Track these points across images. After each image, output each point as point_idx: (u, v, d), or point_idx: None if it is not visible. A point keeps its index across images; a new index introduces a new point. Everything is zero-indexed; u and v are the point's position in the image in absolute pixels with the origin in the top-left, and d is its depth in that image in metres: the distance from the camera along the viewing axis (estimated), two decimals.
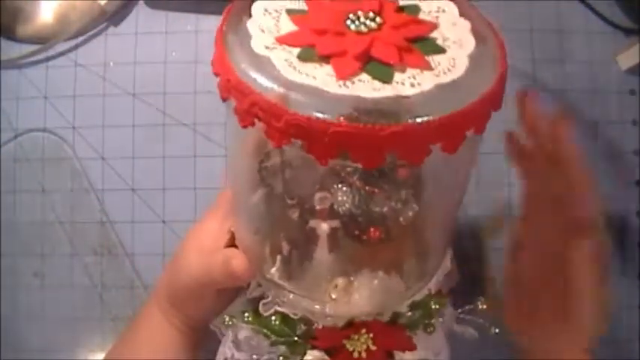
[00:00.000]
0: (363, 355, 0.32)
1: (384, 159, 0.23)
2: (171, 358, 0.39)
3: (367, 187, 0.29)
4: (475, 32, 0.27)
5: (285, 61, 0.24)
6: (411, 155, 0.23)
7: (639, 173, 0.49)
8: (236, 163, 0.32)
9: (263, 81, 0.23)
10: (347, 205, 0.29)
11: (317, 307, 0.31)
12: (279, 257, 0.32)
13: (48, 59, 0.50)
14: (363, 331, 0.32)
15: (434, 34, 0.26)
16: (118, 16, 0.50)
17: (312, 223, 0.30)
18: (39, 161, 0.49)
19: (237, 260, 0.33)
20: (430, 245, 0.33)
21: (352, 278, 0.31)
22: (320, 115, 0.22)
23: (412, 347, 0.33)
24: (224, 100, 0.25)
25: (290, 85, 0.23)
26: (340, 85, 0.23)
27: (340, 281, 0.30)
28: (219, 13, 0.52)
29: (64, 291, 0.48)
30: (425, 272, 0.33)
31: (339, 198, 0.29)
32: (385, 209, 0.30)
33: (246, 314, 0.33)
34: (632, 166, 0.49)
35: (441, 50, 0.25)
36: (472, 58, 0.25)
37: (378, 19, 0.25)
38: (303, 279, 0.31)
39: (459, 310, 0.35)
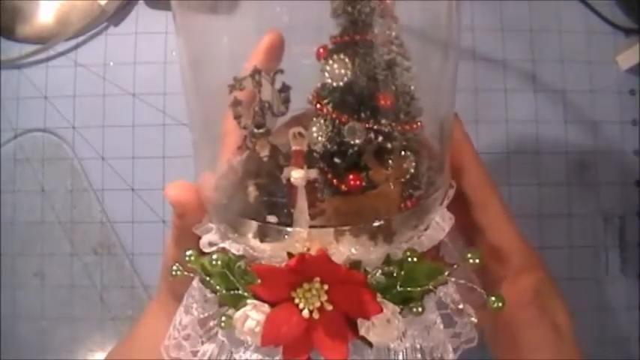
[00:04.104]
0: (315, 315, 0.24)
1: None
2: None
3: (344, 117, 0.25)
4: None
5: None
6: None
7: (639, 173, 0.49)
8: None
9: None
10: (322, 139, 0.25)
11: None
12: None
13: (48, 59, 0.50)
14: (316, 279, 0.24)
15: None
16: (118, 16, 0.50)
17: (287, 171, 0.25)
18: (39, 161, 0.49)
19: (176, 187, 0.29)
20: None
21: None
22: None
23: (378, 309, 0.24)
24: None
25: None
26: None
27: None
28: (219, 13, 0.52)
29: (64, 291, 0.48)
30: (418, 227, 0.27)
31: (314, 134, 0.25)
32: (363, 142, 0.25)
33: (189, 252, 0.27)
34: (632, 166, 0.49)
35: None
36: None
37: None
38: (276, 238, 0.26)
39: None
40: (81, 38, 0.50)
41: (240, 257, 0.26)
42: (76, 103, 0.49)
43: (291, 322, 0.24)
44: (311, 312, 0.24)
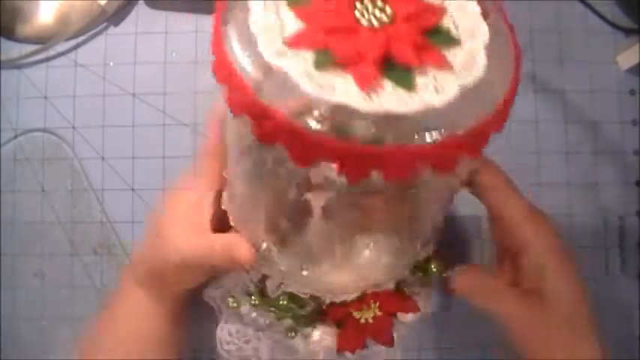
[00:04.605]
0: (370, 321, 0.33)
1: (415, 174, 0.22)
2: (154, 332, 0.39)
3: None
4: (485, 17, 0.25)
5: (303, 72, 0.22)
6: (443, 167, 0.23)
7: (639, 173, 0.49)
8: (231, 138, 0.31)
9: (281, 102, 0.22)
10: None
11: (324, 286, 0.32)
12: (273, 233, 0.30)
13: (48, 59, 0.50)
14: (372, 302, 0.33)
15: (446, 21, 0.24)
16: (118, 16, 0.50)
17: (308, 195, 0.28)
18: (39, 161, 0.49)
19: (243, 250, 0.31)
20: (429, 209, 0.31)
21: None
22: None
23: (416, 309, 0.35)
24: (236, 115, 0.24)
25: (314, 103, 0.21)
26: (365, 98, 0.22)
27: None
28: None
29: (64, 291, 0.48)
30: (425, 235, 0.32)
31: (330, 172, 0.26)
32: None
33: (253, 298, 0.33)
34: (632, 166, 0.49)
35: (456, 42, 0.24)
36: (488, 51, 0.24)
37: (388, 10, 0.23)
38: (299, 253, 0.31)
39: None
40: (81, 38, 0.50)
41: (310, 298, 0.34)
42: (76, 103, 0.49)
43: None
44: (366, 320, 0.35)
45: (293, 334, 0.35)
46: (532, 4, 0.50)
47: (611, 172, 0.49)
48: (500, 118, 0.23)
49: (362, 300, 0.33)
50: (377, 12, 0.23)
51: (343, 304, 0.33)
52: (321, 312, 0.34)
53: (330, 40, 0.23)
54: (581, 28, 0.50)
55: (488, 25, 0.24)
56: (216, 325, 0.41)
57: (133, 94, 0.49)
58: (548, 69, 0.49)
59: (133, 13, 0.50)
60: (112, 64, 0.50)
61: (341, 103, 0.21)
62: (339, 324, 0.34)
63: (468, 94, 0.23)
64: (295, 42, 0.23)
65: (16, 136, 0.49)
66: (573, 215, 0.48)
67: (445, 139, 0.22)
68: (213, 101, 0.35)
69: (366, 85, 0.22)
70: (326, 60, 0.22)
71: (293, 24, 0.23)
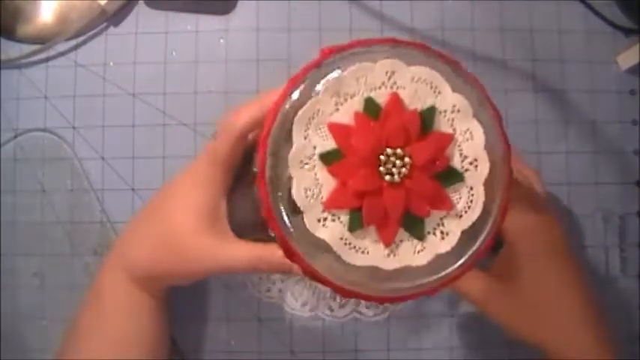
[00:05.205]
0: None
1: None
2: (143, 321, 0.39)
3: None
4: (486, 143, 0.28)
5: (340, 240, 0.26)
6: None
7: (639, 173, 0.49)
8: None
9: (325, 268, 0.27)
10: None
11: None
12: None
13: (48, 59, 0.50)
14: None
15: (453, 154, 0.27)
16: (118, 16, 0.50)
17: None
18: (39, 161, 0.49)
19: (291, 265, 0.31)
20: None
21: None
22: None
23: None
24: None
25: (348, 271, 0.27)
26: (389, 254, 0.26)
27: None
28: (219, 13, 0.52)
29: (64, 291, 0.48)
30: None
31: None
32: None
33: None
34: (632, 166, 0.49)
35: (460, 178, 0.27)
36: (486, 186, 0.27)
37: (406, 159, 0.26)
38: None
39: None
40: (81, 38, 0.50)
41: None
42: (76, 103, 0.49)
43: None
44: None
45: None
46: (532, 4, 0.50)
47: (611, 172, 0.49)
48: (490, 242, 0.27)
49: None
50: (397, 161, 0.26)
51: None
52: None
53: (360, 202, 0.26)
54: (581, 28, 0.50)
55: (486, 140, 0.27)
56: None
57: (133, 94, 0.49)
58: (548, 69, 0.49)
59: (133, 13, 0.50)
60: (112, 64, 0.50)
61: (373, 265, 0.26)
62: None
63: (467, 232, 0.27)
64: (331, 204, 0.26)
65: (16, 136, 0.49)
66: (573, 215, 0.48)
67: (445, 280, 0.27)
68: (230, 111, 0.35)
69: (391, 243, 0.26)
70: (358, 222, 0.26)
71: (328, 182, 0.27)
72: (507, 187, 0.27)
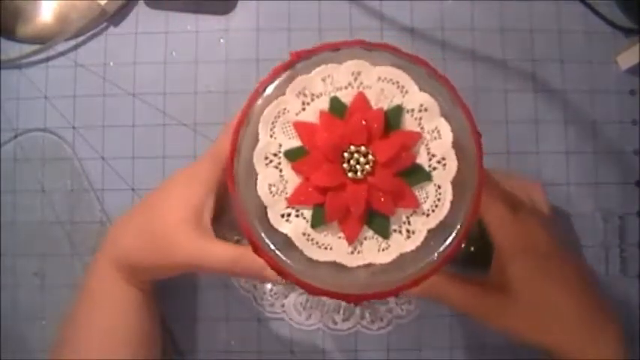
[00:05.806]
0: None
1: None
2: (131, 313, 0.39)
3: None
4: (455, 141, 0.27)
5: (303, 235, 0.27)
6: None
7: (639, 173, 0.49)
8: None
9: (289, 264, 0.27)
10: None
11: None
12: None
13: (48, 59, 0.50)
14: None
15: (420, 152, 0.27)
16: (118, 16, 0.50)
17: None
18: (39, 161, 0.49)
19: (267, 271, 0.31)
20: None
21: None
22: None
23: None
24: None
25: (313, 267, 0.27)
26: (352, 252, 0.27)
27: None
28: (219, 13, 0.52)
29: (64, 291, 0.48)
30: None
31: None
32: None
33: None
34: (632, 166, 0.49)
35: (427, 177, 0.27)
36: (454, 186, 0.27)
37: (370, 157, 0.26)
38: None
39: None
40: (81, 38, 0.50)
41: None
42: (76, 103, 0.49)
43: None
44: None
45: None
46: (532, 4, 0.50)
47: (611, 172, 0.49)
48: (460, 240, 0.27)
49: None
50: (361, 158, 0.26)
51: None
52: None
53: (323, 198, 0.26)
54: (581, 28, 0.50)
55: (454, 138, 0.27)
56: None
57: (133, 94, 0.49)
58: (548, 69, 0.49)
59: (132, 13, 0.50)
60: (112, 64, 0.50)
61: (335, 261, 0.26)
62: None
63: (434, 231, 0.27)
64: (294, 200, 0.27)
65: (16, 136, 0.49)
66: (573, 215, 0.48)
67: (410, 280, 0.27)
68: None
69: (353, 239, 0.26)
70: (320, 218, 0.26)
71: (292, 179, 0.27)
72: (479, 187, 0.27)
